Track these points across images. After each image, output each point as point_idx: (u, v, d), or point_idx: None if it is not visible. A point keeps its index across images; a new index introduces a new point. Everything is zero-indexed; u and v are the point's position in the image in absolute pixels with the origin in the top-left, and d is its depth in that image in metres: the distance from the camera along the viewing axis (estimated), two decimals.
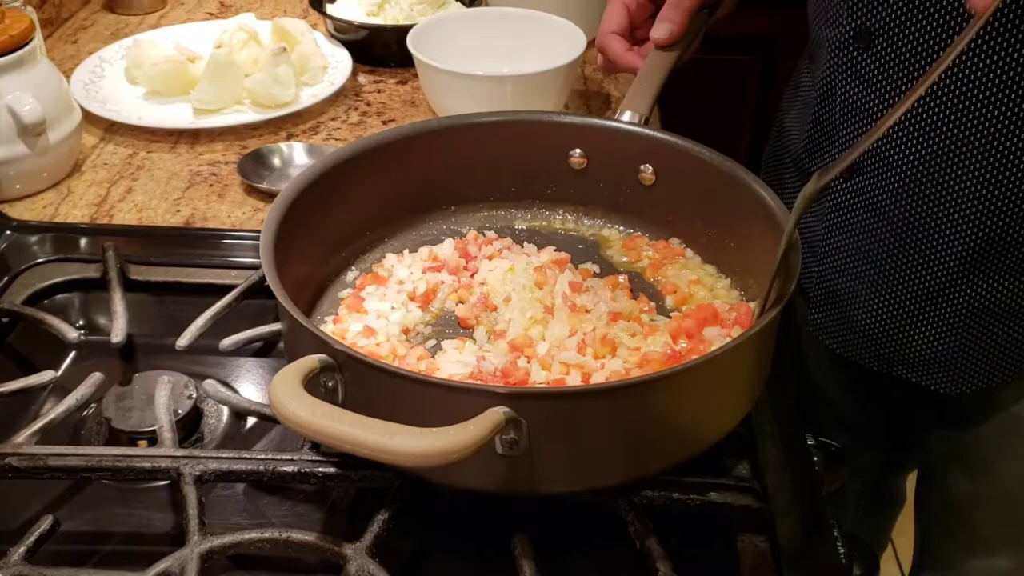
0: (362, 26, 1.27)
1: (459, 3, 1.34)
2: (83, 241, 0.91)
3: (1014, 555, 0.99)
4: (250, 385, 0.79)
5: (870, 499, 1.24)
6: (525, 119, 0.86)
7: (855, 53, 0.85)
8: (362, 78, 1.25)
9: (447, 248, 0.82)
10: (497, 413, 0.55)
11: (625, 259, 0.83)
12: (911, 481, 1.19)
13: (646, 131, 0.82)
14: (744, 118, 2.03)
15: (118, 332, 0.78)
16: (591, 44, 1.12)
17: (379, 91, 1.22)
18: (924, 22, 0.78)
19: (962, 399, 0.94)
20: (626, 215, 0.86)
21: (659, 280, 0.81)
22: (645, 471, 0.63)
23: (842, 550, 0.65)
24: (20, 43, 0.95)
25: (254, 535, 0.61)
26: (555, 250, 0.82)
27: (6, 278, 0.85)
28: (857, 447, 1.17)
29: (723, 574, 0.64)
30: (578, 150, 0.85)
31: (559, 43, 1.12)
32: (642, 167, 0.83)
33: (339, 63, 1.22)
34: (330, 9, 1.30)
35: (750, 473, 0.66)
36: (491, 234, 0.84)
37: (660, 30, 0.89)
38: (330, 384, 0.61)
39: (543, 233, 0.86)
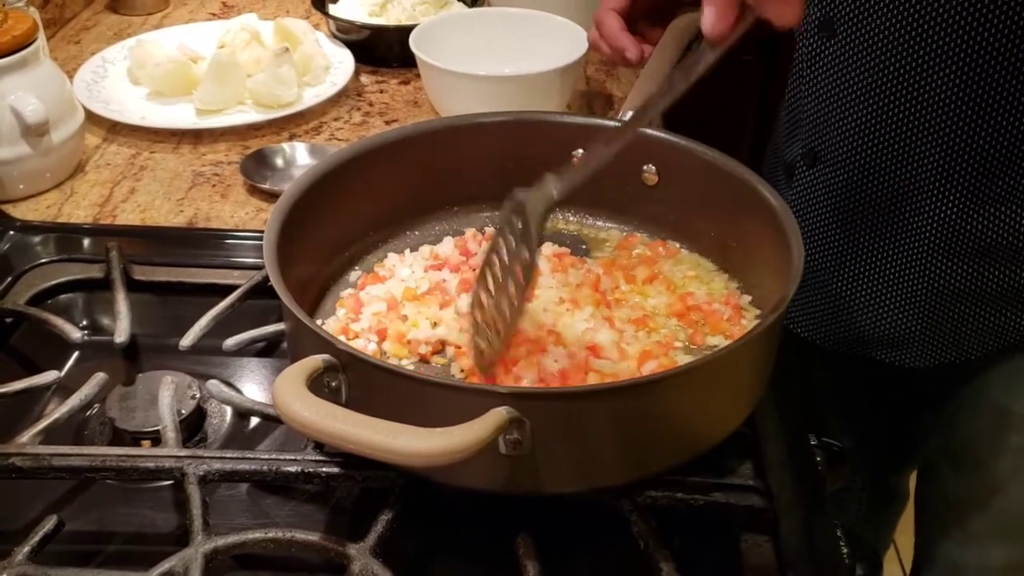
0: (364, 26, 1.27)
1: (461, 3, 1.34)
2: (86, 241, 0.91)
3: (1008, 549, 1.00)
4: (253, 385, 0.79)
5: (872, 499, 1.24)
6: (528, 119, 0.86)
7: (820, 42, 0.86)
8: (364, 78, 1.25)
9: (447, 246, 0.82)
10: (500, 413, 0.55)
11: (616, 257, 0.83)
12: (914, 481, 1.19)
13: (649, 131, 0.82)
14: (747, 118, 2.03)
15: (121, 332, 0.78)
16: None
17: (381, 91, 1.22)
18: (884, 12, 0.80)
19: (951, 392, 0.96)
20: (629, 215, 0.86)
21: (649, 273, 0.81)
22: (649, 471, 0.63)
23: (845, 550, 0.65)
24: (23, 43, 0.95)
25: (258, 535, 0.61)
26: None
27: (10, 278, 0.85)
28: (858, 447, 1.17)
29: (726, 574, 0.64)
30: (581, 151, 0.84)
31: (562, 43, 1.12)
32: (645, 167, 0.83)
33: (341, 63, 1.22)
34: (332, 9, 1.30)
35: (754, 473, 0.66)
36: (490, 231, 0.84)
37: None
38: (334, 384, 0.61)
39: (545, 234, 0.86)
